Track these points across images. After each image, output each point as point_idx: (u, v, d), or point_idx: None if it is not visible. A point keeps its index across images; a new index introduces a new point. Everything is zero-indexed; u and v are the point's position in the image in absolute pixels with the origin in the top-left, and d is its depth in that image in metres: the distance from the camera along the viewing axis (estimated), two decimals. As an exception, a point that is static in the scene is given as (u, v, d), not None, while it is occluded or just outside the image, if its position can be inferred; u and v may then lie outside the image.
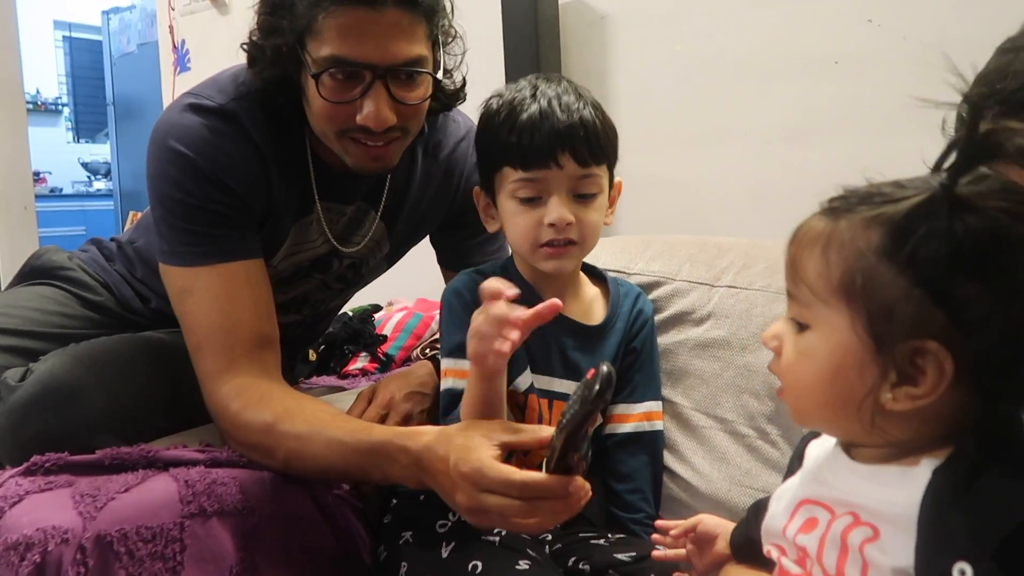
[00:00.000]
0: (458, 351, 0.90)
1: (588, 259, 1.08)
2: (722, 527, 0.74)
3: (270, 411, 0.89)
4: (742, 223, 1.40)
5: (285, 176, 1.02)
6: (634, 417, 1.00)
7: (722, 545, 0.73)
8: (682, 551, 0.76)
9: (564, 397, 0.93)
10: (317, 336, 1.50)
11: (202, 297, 0.97)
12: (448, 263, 1.27)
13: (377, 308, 1.74)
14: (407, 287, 1.14)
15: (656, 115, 1.53)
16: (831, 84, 1.29)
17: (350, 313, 1.64)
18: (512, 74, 1.61)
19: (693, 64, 1.46)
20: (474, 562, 0.82)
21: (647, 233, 1.41)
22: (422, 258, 1.33)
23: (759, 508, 0.68)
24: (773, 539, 0.59)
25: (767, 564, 0.62)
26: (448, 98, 1.08)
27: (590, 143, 0.88)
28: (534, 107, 0.88)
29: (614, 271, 1.15)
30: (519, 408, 0.94)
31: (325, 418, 0.88)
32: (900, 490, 0.50)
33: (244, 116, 0.98)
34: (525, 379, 0.94)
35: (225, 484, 0.86)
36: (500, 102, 0.93)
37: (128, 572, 0.77)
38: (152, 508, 0.81)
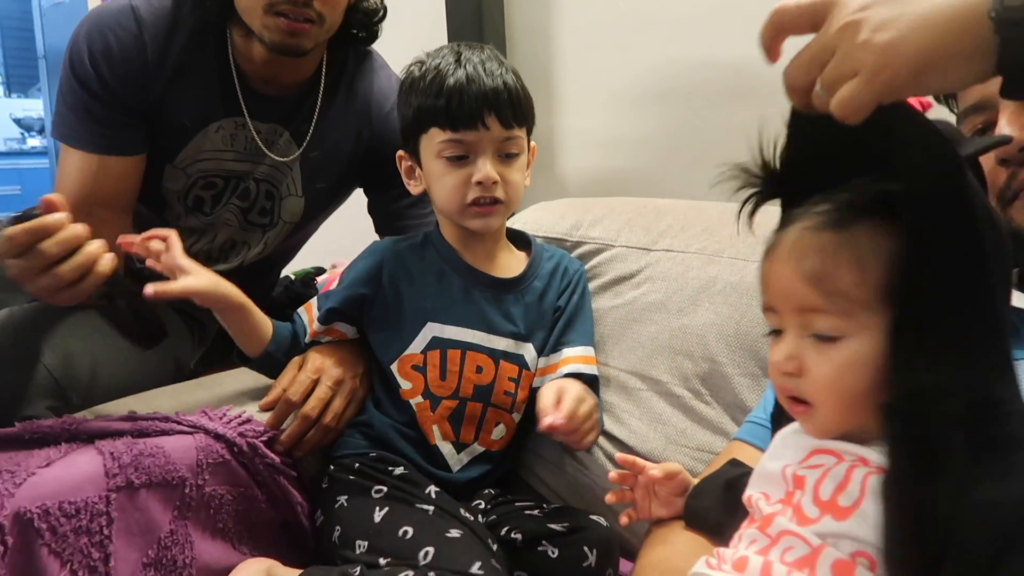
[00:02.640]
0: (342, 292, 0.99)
1: (531, 225, 1.08)
2: (690, 483, 0.73)
3: None
4: (686, 182, 1.39)
5: (190, 80, 1.08)
6: (567, 362, 0.99)
7: (682, 502, 0.73)
8: (628, 492, 0.75)
9: (478, 348, 0.96)
10: (256, 299, 1.48)
11: (65, 179, 1.08)
12: (384, 228, 1.28)
13: (320, 271, 1.71)
14: (350, 250, 1.12)
15: (602, 73, 1.51)
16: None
17: (292, 277, 1.61)
18: (454, 35, 1.58)
19: (638, 21, 1.44)
20: (405, 527, 0.82)
21: (591, 193, 1.41)
22: (365, 220, 1.31)
23: (734, 487, 0.67)
24: (765, 484, 0.58)
25: (724, 540, 0.63)
26: (367, 16, 1.13)
27: (513, 106, 0.92)
28: (460, 72, 0.91)
29: (556, 238, 1.16)
30: (418, 369, 0.95)
31: None
32: None
33: (147, 14, 1.06)
34: (422, 338, 0.95)
35: (153, 455, 0.84)
36: (424, 67, 0.94)
37: (51, 549, 0.75)
38: (76, 482, 0.79)
